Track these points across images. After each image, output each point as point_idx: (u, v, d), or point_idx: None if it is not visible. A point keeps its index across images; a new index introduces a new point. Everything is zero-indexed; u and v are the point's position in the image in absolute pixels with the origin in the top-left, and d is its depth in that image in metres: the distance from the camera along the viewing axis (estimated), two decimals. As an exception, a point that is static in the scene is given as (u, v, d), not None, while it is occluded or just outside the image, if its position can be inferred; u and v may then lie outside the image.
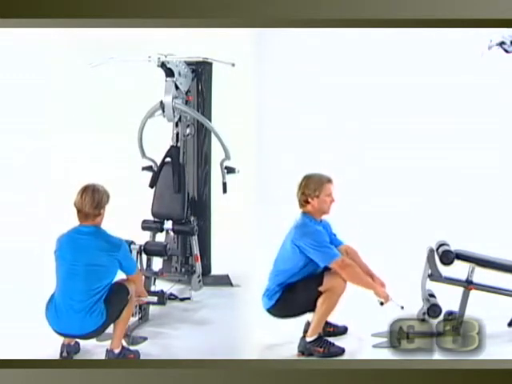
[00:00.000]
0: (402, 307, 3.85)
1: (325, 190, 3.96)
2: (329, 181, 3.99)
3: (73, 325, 3.69)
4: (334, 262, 3.85)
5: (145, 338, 4.17)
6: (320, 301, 3.88)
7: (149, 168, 4.98)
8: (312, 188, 3.94)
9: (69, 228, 3.80)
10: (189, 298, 4.81)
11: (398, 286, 4.02)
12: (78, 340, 3.96)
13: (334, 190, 3.99)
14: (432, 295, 4.10)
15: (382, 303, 3.88)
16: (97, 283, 3.70)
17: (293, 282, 3.94)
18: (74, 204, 3.75)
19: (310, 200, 3.95)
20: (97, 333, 3.77)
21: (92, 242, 3.71)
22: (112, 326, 3.83)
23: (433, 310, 4.01)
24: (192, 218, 4.90)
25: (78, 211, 3.75)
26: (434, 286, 4.10)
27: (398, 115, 6.00)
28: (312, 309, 3.91)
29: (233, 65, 4.59)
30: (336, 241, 4.10)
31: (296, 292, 3.91)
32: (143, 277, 4.26)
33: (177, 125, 4.94)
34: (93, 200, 3.72)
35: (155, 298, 4.23)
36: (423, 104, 5.99)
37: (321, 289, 3.87)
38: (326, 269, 3.90)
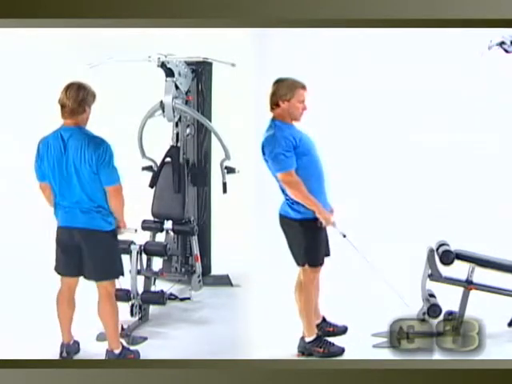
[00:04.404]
0: (344, 235, 3.81)
1: (297, 95, 3.77)
2: (303, 87, 3.80)
3: (82, 218, 3.62)
4: (281, 172, 3.70)
5: (145, 338, 4.17)
6: (296, 297, 3.89)
7: (149, 168, 4.99)
8: (284, 91, 3.78)
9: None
10: (189, 298, 4.81)
11: (397, 286, 4.03)
12: (77, 340, 3.97)
13: (307, 98, 3.81)
14: (432, 295, 4.10)
15: (344, 235, 3.82)
16: (94, 185, 3.60)
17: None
18: (58, 101, 3.63)
19: (280, 103, 3.77)
20: (104, 235, 3.66)
21: (75, 141, 3.59)
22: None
23: (433, 310, 4.01)
24: (192, 218, 4.90)
25: (62, 107, 3.62)
26: (434, 286, 4.11)
27: (397, 115, 6.00)
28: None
29: (233, 65, 4.60)
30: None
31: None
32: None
33: (177, 125, 4.94)
34: (77, 95, 3.60)
35: (133, 230, 3.93)
36: (422, 104, 5.99)
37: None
38: None
